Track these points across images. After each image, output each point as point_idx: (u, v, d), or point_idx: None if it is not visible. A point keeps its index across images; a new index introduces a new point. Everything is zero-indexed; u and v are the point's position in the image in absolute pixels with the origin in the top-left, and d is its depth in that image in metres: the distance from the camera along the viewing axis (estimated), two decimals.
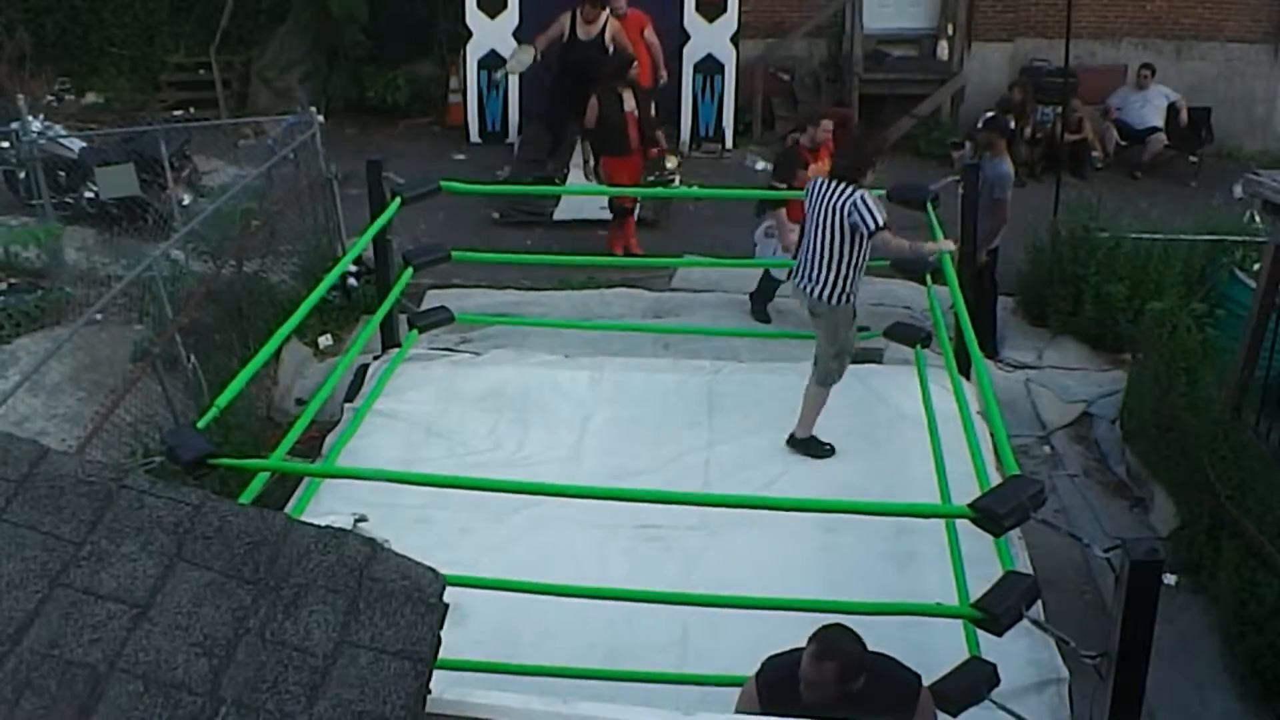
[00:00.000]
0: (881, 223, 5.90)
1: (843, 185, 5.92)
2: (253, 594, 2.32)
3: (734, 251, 9.58)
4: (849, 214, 5.87)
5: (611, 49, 11.06)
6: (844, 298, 6.04)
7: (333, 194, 10.16)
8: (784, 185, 8.53)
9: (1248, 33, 14.10)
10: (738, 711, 3.94)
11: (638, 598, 4.43)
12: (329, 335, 9.26)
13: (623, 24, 11.51)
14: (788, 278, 6.48)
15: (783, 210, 8.57)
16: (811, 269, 6.05)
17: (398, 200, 7.05)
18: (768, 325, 9.04)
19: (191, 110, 13.96)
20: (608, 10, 11.05)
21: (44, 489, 2.40)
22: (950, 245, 6.52)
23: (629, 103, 9.91)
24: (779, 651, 3.97)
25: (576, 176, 11.91)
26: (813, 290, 6.06)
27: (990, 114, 11.76)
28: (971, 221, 7.38)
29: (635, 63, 10.59)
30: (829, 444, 6.27)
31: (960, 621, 4.52)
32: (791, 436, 6.27)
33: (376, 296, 7.60)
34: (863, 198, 5.88)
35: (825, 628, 3.86)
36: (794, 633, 4.37)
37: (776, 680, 3.92)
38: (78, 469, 2.47)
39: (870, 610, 4.46)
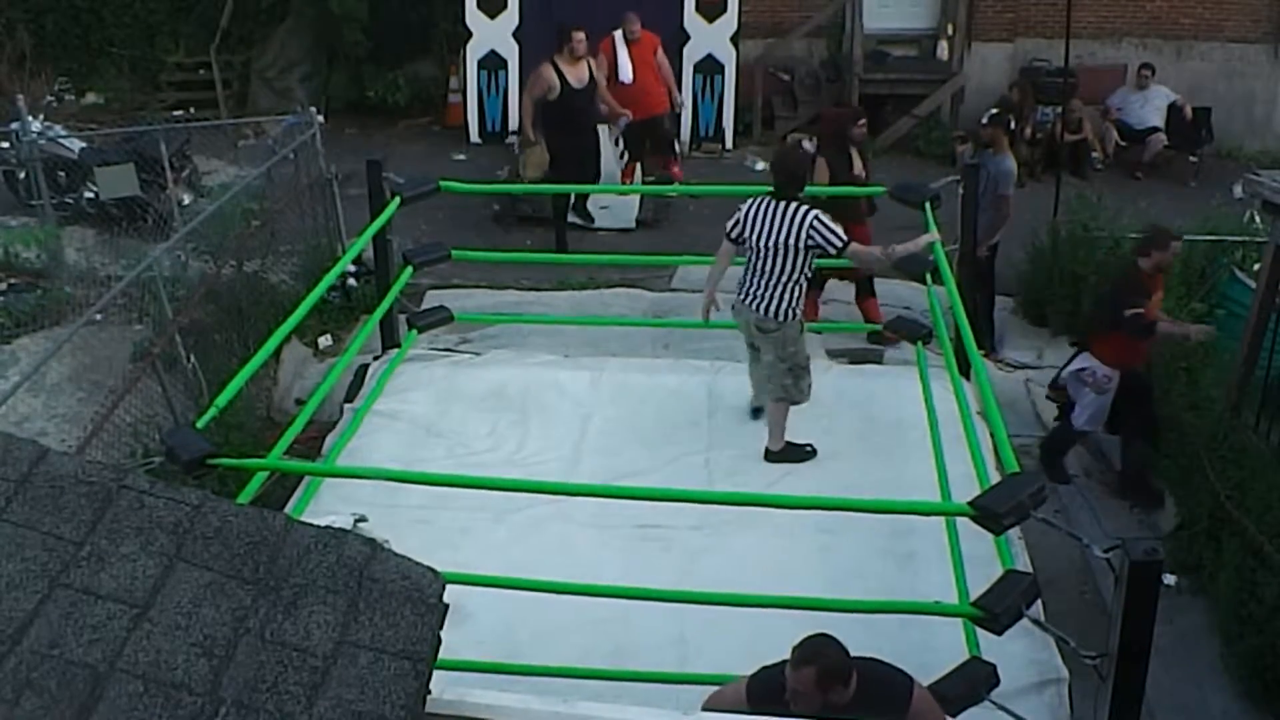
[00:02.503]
0: (845, 237, 5.97)
1: (790, 205, 5.93)
2: (253, 594, 2.32)
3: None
4: (808, 236, 5.88)
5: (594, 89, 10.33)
6: (792, 313, 6.08)
7: (333, 194, 10.17)
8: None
9: (1248, 33, 14.11)
10: (714, 706, 3.93)
11: (638, 596, 4.43)
12: (329, 335, 9.26)
13: (637, 46, 10.94)
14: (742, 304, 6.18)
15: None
16: (760, 288, 6.04)
17: (397, 200, 7.06)
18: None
19: (191, 110, 13.96)
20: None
21: (44, 489, 2.40)
22: (931, 237, 6.47)
23: (858, 164, 8.64)
24: (773, 662, 3.97)
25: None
26: (763, 308, 6.05)
27: (994, 110, 11.77)
28: (971, 221, 7.38)
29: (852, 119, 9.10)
30: (808, 444, 6.26)
31: (960, 621, 4.52)
32: (767, 451, 6.22)
33: (376, 296, 7.60)
34: (818, 217, 5.91)
35: (807, 638, 3.85)
36: (794, 632, 4.37)
37: (764, 691, 3.91)
38: (78, 469, 2.47)
39: (870, 609, 4.47)
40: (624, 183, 11.47)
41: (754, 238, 6.00)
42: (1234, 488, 6.59)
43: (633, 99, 10.75)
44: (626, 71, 10.85)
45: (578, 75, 10.02)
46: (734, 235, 6.12)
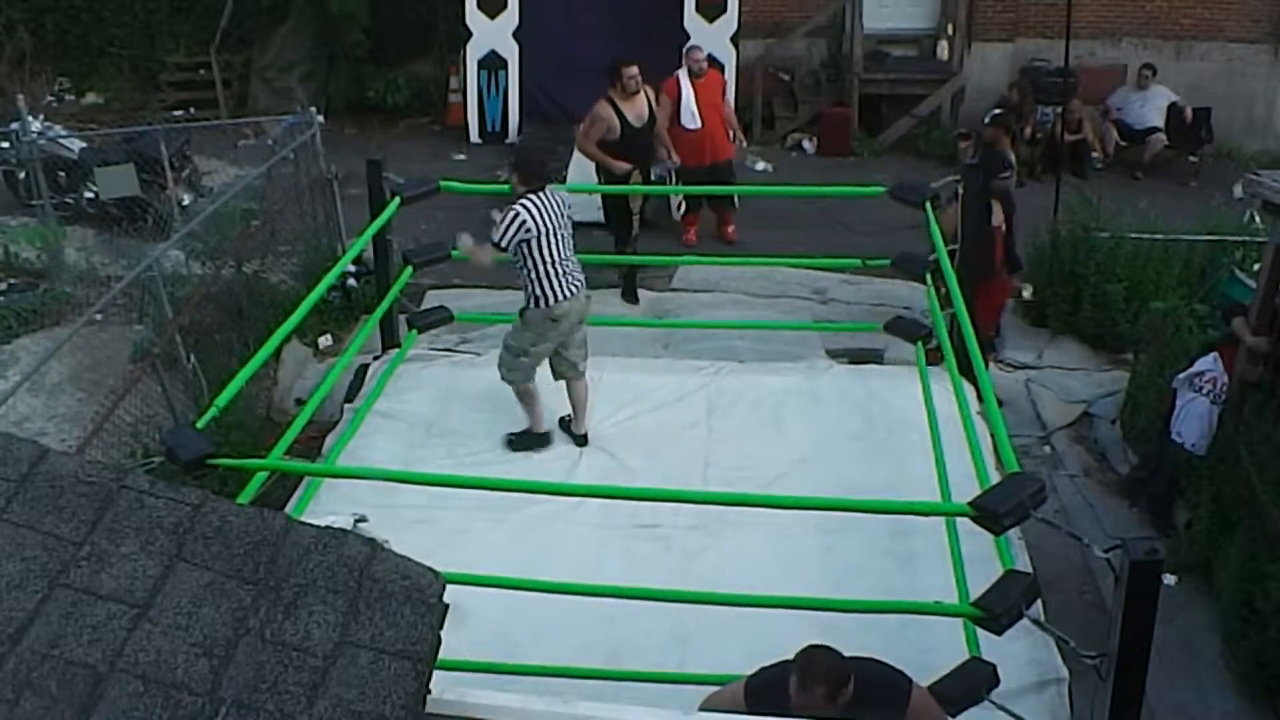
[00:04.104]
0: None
1: (550, 192, 6.19)
2: (253, 594, 2.32)
3: (733, 250, 9.57)
4: (569, 207, 6.26)
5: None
6: None
7: (333, 194, 10.17)
8: None
9: (1248, 33, 14.11)
10: (712, 706, 3.92)
11: (637, 596, 4.43)
12: (329, 335, 9.27)
13: (703, 85, 9.97)
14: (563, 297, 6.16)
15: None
16: (577, 270, 6.28)
17: (397, 200, 7.06)
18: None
19: (191, 110, 13.99)
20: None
21: (44, 489, 2.40)
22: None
23: (997, 215, 7.96)
24: (770, 664, 3.95)
25: (575, 175, 11.90)
26: (584, 283, 6.32)
27: (997, 111, 11.77)
28: (971, 220, 7.38)
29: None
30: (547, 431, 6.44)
31: (960, 621, 4.51)
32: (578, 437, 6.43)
33: (376, 296, 7.61)
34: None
35: (803, 652, 3.83)
36: (794, 632, 4.37)
37: (762, 693, 3.89)
38: (78, 469, 2.47)
39: (870, 609, 4.47)
40: (684, 238, 10.43)
41: (553, 228, 6.09)
42: (1236, 486, 6.60)
43: (697, 145, 9.86)
44: (693, 115, 9.84)
45: (636, 112, 9.11)
46: (518, 239, 6.03)
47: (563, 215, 6.18)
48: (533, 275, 6.10)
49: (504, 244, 6.05)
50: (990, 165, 8.14)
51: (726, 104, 10.33)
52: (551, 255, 6.08)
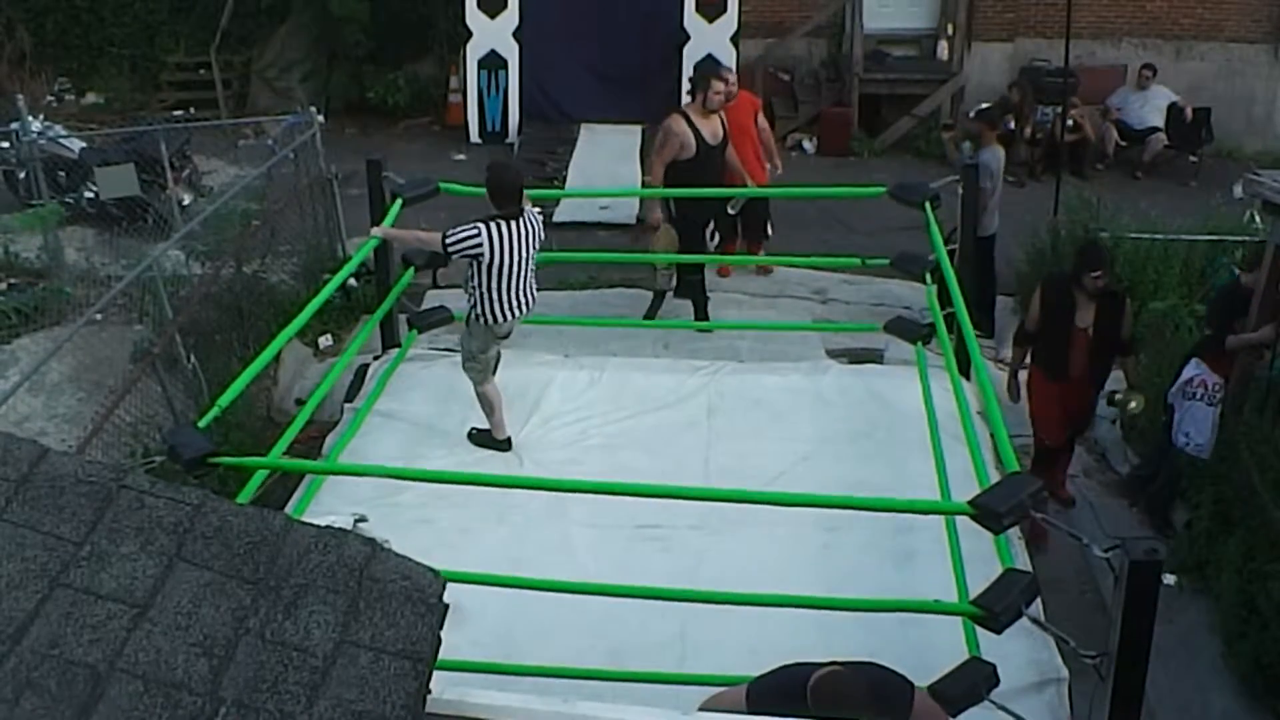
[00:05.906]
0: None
1: (524, 216, 6.12)
2: (253, 594, 2.32)
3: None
4: (541, 234, 6.26)
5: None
6: None
7: (333, 194, 10.17)
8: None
9: (1248, 33, 14.13)
10: (714, 705, 3.91)
11: (637, 595, 4.43)
12: (329, 335, 9.26)
13: (734, 109, 9.06)
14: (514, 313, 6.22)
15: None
16: (530, 292, 6.27)
17: (399, 202, 7.08)
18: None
19: (191, 110, 13.99)
20: None
21: (44, 489, 2.39)
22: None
23: (1085, 317, 6.79)
24: (771, 669, 3.95)
25: (575, 178, 11.91)
26: (531, 306, 6.35)
27: (984, 106, 11.77)
28: (971, 220, 7.38)
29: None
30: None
31: (960, 620, 4.52)
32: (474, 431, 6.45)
33: (376, 296, 7.61)
34: (538, 214, 6.35)
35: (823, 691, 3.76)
36: (793, 631, 4.38)
37: (764, 699, 3.88)
38: (78, 469, 2.46)
39: (869, 608, 4.47)
40: (720, 271, 9.62)
41: (512, 258, 6.03)
42: (1237, 486, 6.59)
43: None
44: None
45: (712, 130, 8.49)
46: (467, 254, 5.99)
47: (529, 244, 6.10)
48: (479, 291, 6.11)
49: (450, 250, 6.03)
50: (1083, 261, 6.83)
51: (762, 126, 9.42)
52: (501, 280, 6.06)
